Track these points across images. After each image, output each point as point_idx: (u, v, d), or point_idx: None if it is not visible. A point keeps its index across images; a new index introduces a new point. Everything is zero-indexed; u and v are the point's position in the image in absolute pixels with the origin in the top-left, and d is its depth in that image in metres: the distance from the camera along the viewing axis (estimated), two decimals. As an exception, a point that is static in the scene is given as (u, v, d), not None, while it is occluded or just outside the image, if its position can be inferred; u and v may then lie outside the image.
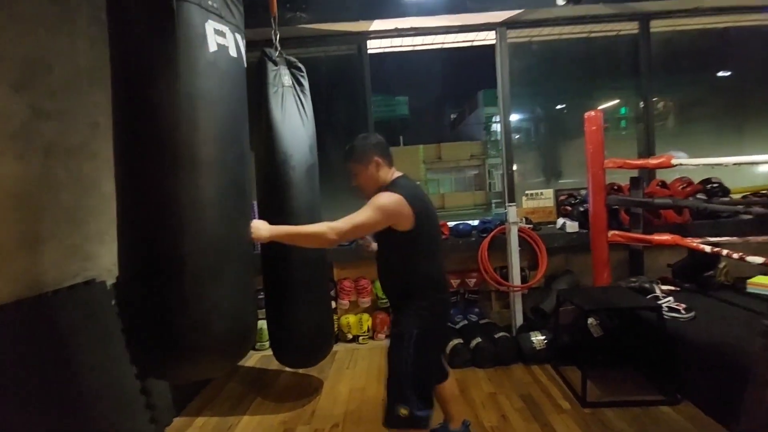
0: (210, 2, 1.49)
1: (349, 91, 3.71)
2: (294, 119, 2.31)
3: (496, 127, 18.79)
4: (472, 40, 3.73)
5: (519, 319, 3.14)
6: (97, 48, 2.19)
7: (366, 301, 3.43)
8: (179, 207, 1.40)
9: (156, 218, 1.41)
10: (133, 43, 1.40)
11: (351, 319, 3.39)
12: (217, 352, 1.53)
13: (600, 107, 4.04)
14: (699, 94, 4.14)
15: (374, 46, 3.60)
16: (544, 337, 2.78)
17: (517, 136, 4.12)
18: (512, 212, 3.13)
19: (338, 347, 3.26)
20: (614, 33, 3.77)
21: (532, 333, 2.84)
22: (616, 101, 4.18)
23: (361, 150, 1.66)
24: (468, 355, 2.80)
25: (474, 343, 2.83)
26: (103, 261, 2.12)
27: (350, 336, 3.39)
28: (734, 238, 2.63)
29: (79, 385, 1.81)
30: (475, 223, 3.52)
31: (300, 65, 2.43)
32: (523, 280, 3.21)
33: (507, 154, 3.62)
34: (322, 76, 3.63)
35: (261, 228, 1.58)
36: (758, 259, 2.04)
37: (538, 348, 2.75)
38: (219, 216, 1.48)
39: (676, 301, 2.46)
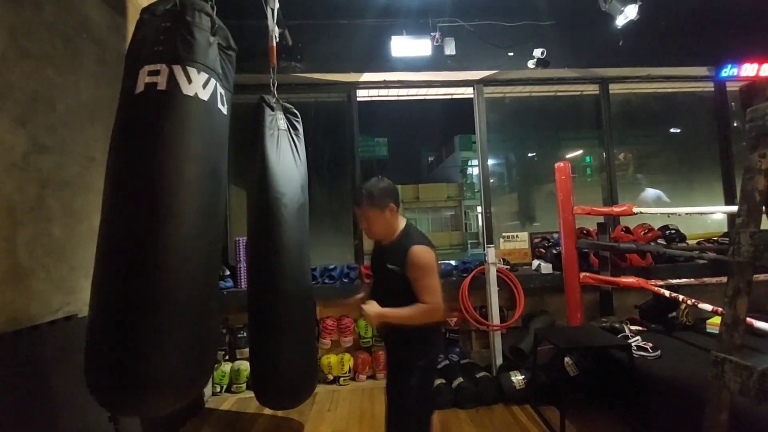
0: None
1: (337, 135, 3.91)
2: (288, 160, 2.43)
3: (472, 171, 19.60)
4: (452, 94, 4.05)
5: (499, 359, 3.21)
6: (99, 86, 2.28)
7: (348, 341, 3.41)
8: (159, 250, 1.54)
9: (135, 259, 1.54)
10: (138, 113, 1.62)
11: (332, 359, 3.35)
12: (177, 388, 1.59)
13: (567, 156, 4.41)
14: (655, 148, 4.59)
15: (363, 94, 3.85)
16: (523, 377, 2.84)
17: (492, 181, 4.39)
18: (491, 253, 3.28)
19: (319, 388, 3.18)
20: (578, 93, 4.20)
21: (512, 372, 2.90)
22: (581, 151, 4.57)
23: (378, 195, 1.69)
24: (450, 395, 2.82)
25: (456, 383, 2.86)
26: (86, 295, 2.06)
27: (331, 377, 3.33)
28: (692, 279, 2.86)
29: (50, 427, 1.73)
30: (456, 263, 3.65)
31: (295, 111, 2.60)
32: (502, 319, 3.32)
33: (485, 198, 3.83)
34: (312, 120, 3.83)
35: (372, 309, 1.60)
36: (708, 307, 2.24)
37: (518, 387, 2.81)
38: (194, 259, 1.62)
39: (643, 340, 2.61)
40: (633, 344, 2.53)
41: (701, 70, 4.00)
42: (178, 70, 1.62)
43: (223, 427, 2.70)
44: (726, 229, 3.99)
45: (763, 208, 1.04)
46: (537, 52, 3.54)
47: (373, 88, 3.79)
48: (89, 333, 1.54)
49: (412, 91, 3.95)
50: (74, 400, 1.84)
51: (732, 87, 4.20)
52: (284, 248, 2.30)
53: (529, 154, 4.84)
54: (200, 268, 1.64)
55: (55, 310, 1.92)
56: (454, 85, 3.88)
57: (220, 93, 1.77)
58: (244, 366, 3.20)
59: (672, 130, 4.63)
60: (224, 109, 1.82)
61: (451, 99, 4.28)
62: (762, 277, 2.61)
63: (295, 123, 2.58)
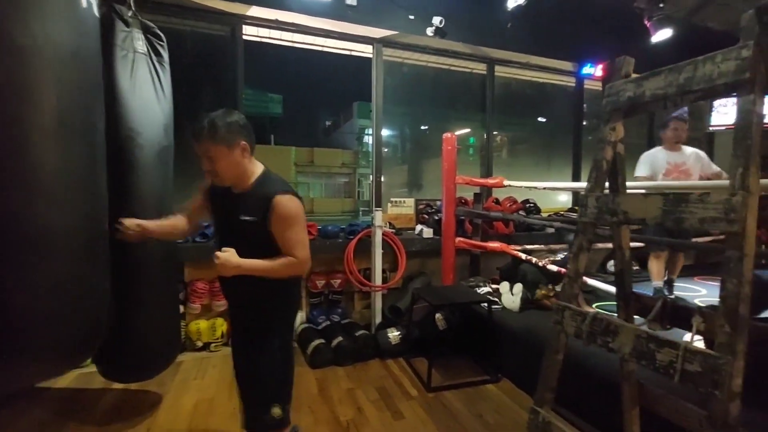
0: None
1: (218, 78, 3.40)
2: (146, 92, 2.01)
3: (368, 140, 19.77)
4: (351, 50, 3.86)
5: (378, 318, 3.33)
6: None
7: (221, 304, 3.14)
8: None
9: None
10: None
11: (202, 324, 3.06)
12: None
13: (455, 133, 4.67)
14: (524, 133, 5.17)
15: (251, 32, 3.39)
16: (399, 333, 3.01)
17: (386, 150, 4.42)
18: (378, 216, 3.32)
19: (184, 357, 2.90)
20: (469, 70, 4.41)
21: (388, 329, 3.04)
22: (468, 130, 4.89)
23: (227, 129, 1.37)
24: (330, 354, 2.83)
25: (335, 342, 2.88)
26: None
27: (200, 344, 3.05)
28: (542, 245, 3.34)
29: None
30: (343, 226, 3.61)
31: (159, 32, 2.14)
32: (384, 281, 3.43)
33: (377, 162, 3.83)
34: (186, 54, 3.25)
35: (229, 259, 1.31)
36: (554, 268, 2.64)
37: (393, 343, 2.96)
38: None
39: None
40: (493, 300, 2.86)
41: (568, 66, 4.56)
42: None
43: (59, 407, 2.26)
44: (570, 206, 4.76)
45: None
46: (436, 21, 3.57)
47: (263, 26, 3.36)
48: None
49: (307, 39, 3.63)
50: None
51: (589, 86, 4.89)
52: (138, 198, 1.93)
53: (422, 127, 4.99)
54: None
55: None
56: (354, 40, 3.69)
57: None
58: (88, 337, 2.70)
59: (540, 118, 5.25)
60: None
61: (351, 60, 4.08)
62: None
63: (159, 48, 2.12)
